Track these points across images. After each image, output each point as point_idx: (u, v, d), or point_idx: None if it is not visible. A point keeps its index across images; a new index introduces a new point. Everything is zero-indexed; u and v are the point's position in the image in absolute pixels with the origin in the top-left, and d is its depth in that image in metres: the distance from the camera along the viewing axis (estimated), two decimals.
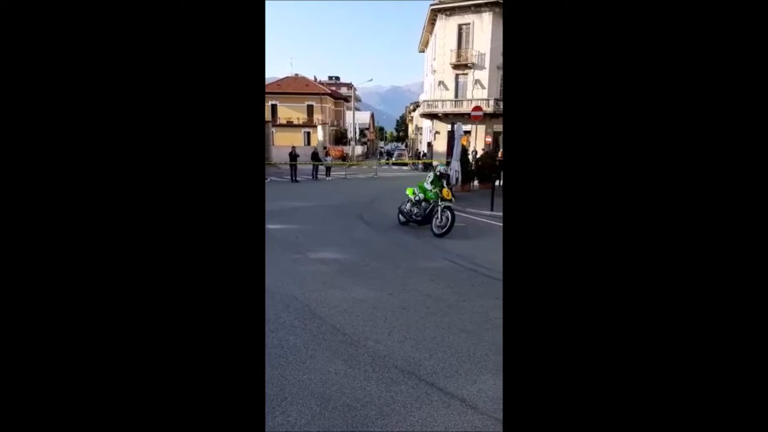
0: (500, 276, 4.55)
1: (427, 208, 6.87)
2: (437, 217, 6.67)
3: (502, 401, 2.27)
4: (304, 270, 4.57)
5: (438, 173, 7.15)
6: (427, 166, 19.92)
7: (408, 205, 7.27)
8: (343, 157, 29.04)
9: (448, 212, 6.56)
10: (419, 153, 31.34)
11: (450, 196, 6.76)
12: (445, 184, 7.04)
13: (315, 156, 18.18)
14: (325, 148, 24.85)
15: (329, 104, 40.96)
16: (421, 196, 7.04)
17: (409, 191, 7.42)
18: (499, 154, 18.04)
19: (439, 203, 6.67)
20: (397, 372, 2.56)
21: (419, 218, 6.95)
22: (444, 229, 6.51)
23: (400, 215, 7.42)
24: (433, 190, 6.85)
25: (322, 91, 40.08)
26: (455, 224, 6.62)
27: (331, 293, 3.89)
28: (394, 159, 30.91)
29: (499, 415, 2.16)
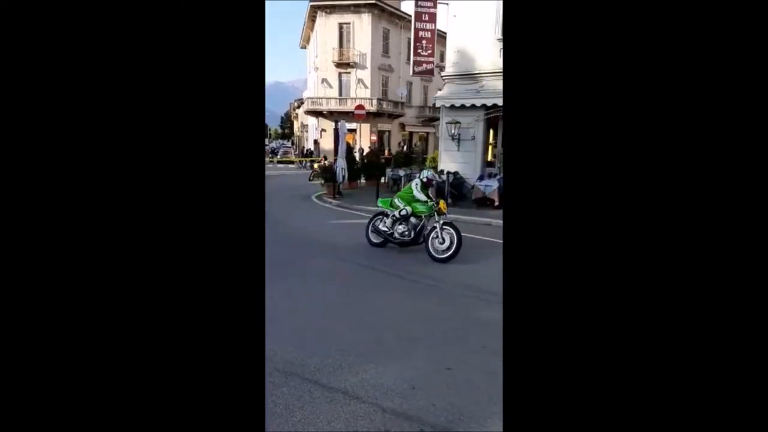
0: (384, 267, 4.75)
1: (417, 225, 5.37)
2: (437, 237, 5.12)
3: (381, 387, 2.38)
4: None
5: (424, 179, 5.57)
6: (315, 164, 19.71)
7: (388, 221, 5.56)
8: None
9: (451, 230, 5.06)
10: (306, 150, 30.87)
11: (446, 209, 5.34)
12: (432, 194, 5.76)
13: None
14: None
15: None
16: (408, 209, 5.41)
17: (382, 203, 5.82)
18: (386, 153, 18.77)
19: (437, 219, 5.18)
20: (279, 375, 2.49)
21: (407, 237, 5.40)
22: (448, 253, 5.00)
23: (373, 234, 5.71)
24: (429, 203, 5.35)
25: None
26: (343, 221, 6.54)
27: None
28: (279, 157, 29.88)
29: (382, 402, 2.25)
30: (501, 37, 10.03)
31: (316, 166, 17.17)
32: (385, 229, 5.57)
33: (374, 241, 5.72)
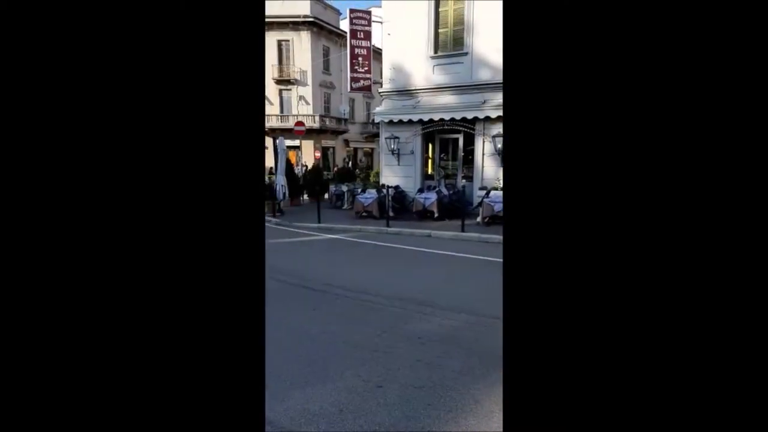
0: (321, 286, 4.64)
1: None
2: None
3: (307, 413, 2.27)
4: None
5: None
6: None
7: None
8: None
9: None
10: None
11: None
12: None
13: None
14: None
15: None
16: None
17: None
18: (335, 168, 18.53)
19: None
20: None
21: None
22: None
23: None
24: None
25: None
26: (281, 240, 6.42)
27: None
28: None
29: (304, 428, 2.15)
30: (434, 55, 10.43)
31: None
32: None
33: None
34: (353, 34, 11.75)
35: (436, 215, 9.02)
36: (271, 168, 12.98)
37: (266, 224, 9.82)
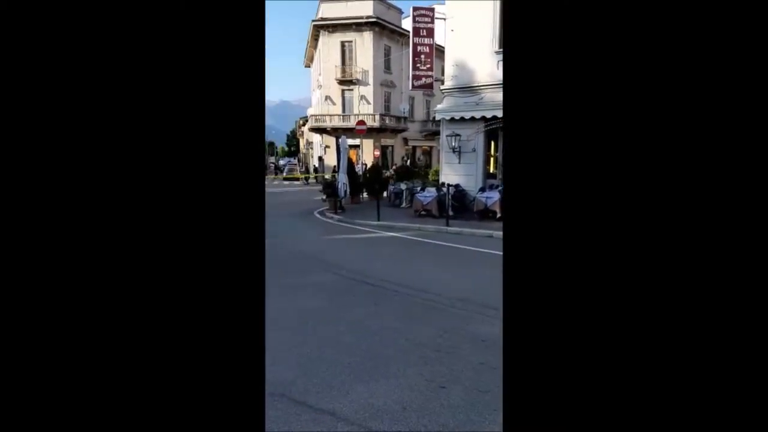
0: (380, 282, 4.67)
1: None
2: None
3: (371, 408, 2.29)
4: None
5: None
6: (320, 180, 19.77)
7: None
8: None
9: None
10: (309, 167, 31.06)
11: None
12: None
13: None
14: None
15: None
16: None
17: None
18: (393, 169, 18.71)
19: None
20: (266, 397, 2.41)
21: None
22: None
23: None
24: None
25: None
26: (342, 237, 6.55)
27: None
28: (285, 174, 30.12)
29: (368, 423, 2.16)
30: (498, 50, 10.10)
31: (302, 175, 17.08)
32: None
33: None
34: (416, 31, 11.70)
35: (498, 215, 8.73)
36: (335, 167, 13.32)
37: (328, 221, 10.12)
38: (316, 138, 31.07)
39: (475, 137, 10.55)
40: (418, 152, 30.40)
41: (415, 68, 11.82)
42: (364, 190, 13.71)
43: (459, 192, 10.13)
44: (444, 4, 11.19)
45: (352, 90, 26.90)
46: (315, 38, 28.89)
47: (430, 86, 12.23)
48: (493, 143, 10.90)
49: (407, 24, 15.35)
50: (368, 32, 25.99)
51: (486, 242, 7.16)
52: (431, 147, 30.38)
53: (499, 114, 9.72)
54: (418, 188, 11.11)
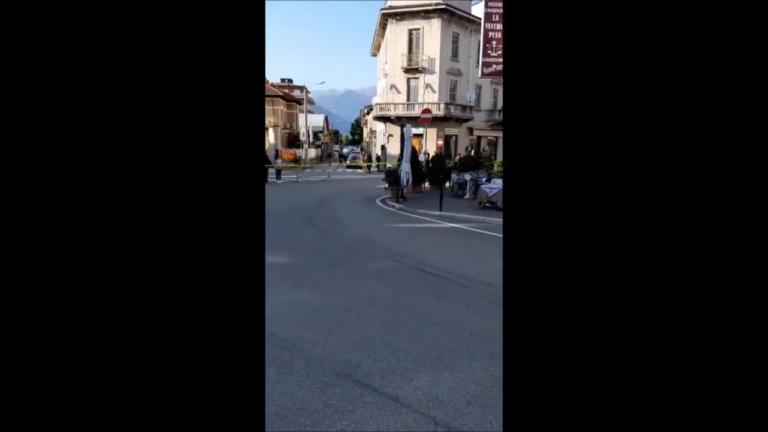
0: (443, 273, 4.60)
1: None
2: None
3: (435, 398, 2.26)
4: None
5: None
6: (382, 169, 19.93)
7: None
8: (296, 160, 28.53)
9: None
10: (372, 155, 31.41)
11: None
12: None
13: (265, 159, 17.72)
14: (277, 150, 24.27)
15: (281, 106, 40.13)
16: None
17: None
18: (457, 157, 18.36)
19: None
20: (332, 375, 2.47)
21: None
22: None
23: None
24: None
25: (274, 93, 39.21)
26: (403, 225, 6.50)
27: (271, 297, 3.72)
28: (348, 162, 30.78)
29: (432, 412, 2.14)
30: None
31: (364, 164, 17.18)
32: None
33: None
34: (488, 17, 11.23)
35: None
36: (400, 154, 13.32)
37: (390, 209, 10.17)
38: (379, 127, 31.27)
39: None
40: (483, 143, 29.50)
41: (485, 55, 11.39)
42: (427, 179, 13.58)
43: None
44: None
45: (417, 78, 26.63)
46: (383, 26, 28.88)
47: (500, 74, 11.73)
48: None
49: (477, 10, 14.79)
50: (436, 19, 25.47)
51: None
52: (497, 137, 29.33)
53: None
54: (483, 179, 10.78)
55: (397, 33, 26.52)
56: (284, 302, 3.62)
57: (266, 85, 41.46)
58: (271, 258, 5.12)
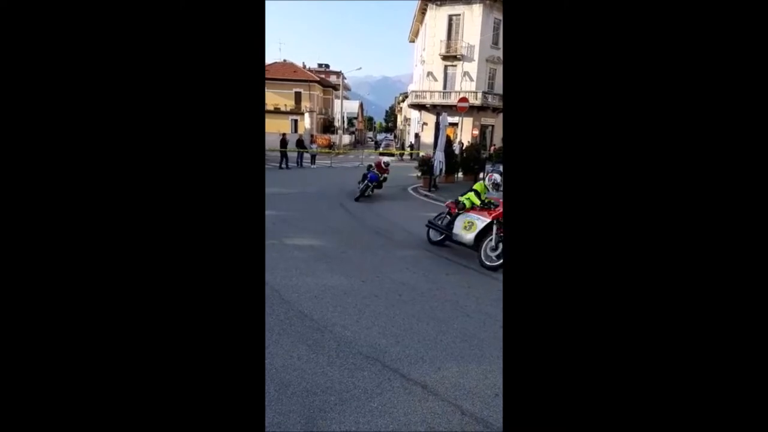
0: (472, 265, 4.56)
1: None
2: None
3: (462, 388, 2.27)
4: (277, 256, 4.49)
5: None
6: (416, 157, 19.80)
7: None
8: (330, 146, 28.79)
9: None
10: (405, 143, 31.25)
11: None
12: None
13: (300, 143, 17.97)
14: (312, 135, 24.57)
15: (318, 92, 40.41)
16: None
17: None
18: (492, 148, 18.00)
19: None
20: (361, 358, 2.53)
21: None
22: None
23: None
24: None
25: (311, 78, 39.48)
26: (434, 215, 6.34)
27: (303, 279, 3.83)
28: (381, 149, 30.81)
29: (459, 402, 2.15)
30: None
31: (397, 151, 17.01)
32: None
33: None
34: None
35: None
36: (433, 143, 13.16)
37: (421, 198, 10.11)
38: (414, 114, 30.98)
39: None
40: None
41: None
42: (460, 169, 13.39)
43: None
44: None
45: (455, 66, 26.08)
46: (422, 12, 28.35)
47: None
48: None
49: None
50: (478, 5, 24.72)
51: None
52: None
53: None
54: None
55: (437, 19, 25.97)
56: (316, 285, 3.71)
57: (303, 70, 41.81)
58: (305, 241, 5.24)
